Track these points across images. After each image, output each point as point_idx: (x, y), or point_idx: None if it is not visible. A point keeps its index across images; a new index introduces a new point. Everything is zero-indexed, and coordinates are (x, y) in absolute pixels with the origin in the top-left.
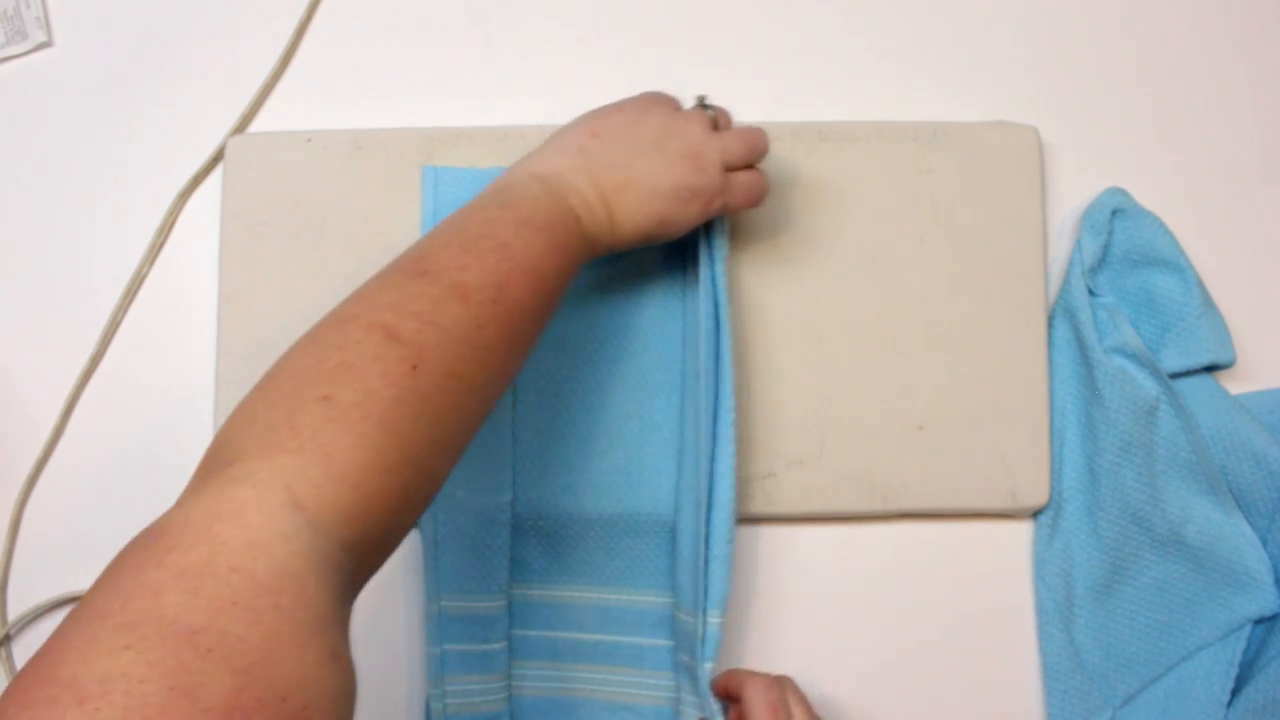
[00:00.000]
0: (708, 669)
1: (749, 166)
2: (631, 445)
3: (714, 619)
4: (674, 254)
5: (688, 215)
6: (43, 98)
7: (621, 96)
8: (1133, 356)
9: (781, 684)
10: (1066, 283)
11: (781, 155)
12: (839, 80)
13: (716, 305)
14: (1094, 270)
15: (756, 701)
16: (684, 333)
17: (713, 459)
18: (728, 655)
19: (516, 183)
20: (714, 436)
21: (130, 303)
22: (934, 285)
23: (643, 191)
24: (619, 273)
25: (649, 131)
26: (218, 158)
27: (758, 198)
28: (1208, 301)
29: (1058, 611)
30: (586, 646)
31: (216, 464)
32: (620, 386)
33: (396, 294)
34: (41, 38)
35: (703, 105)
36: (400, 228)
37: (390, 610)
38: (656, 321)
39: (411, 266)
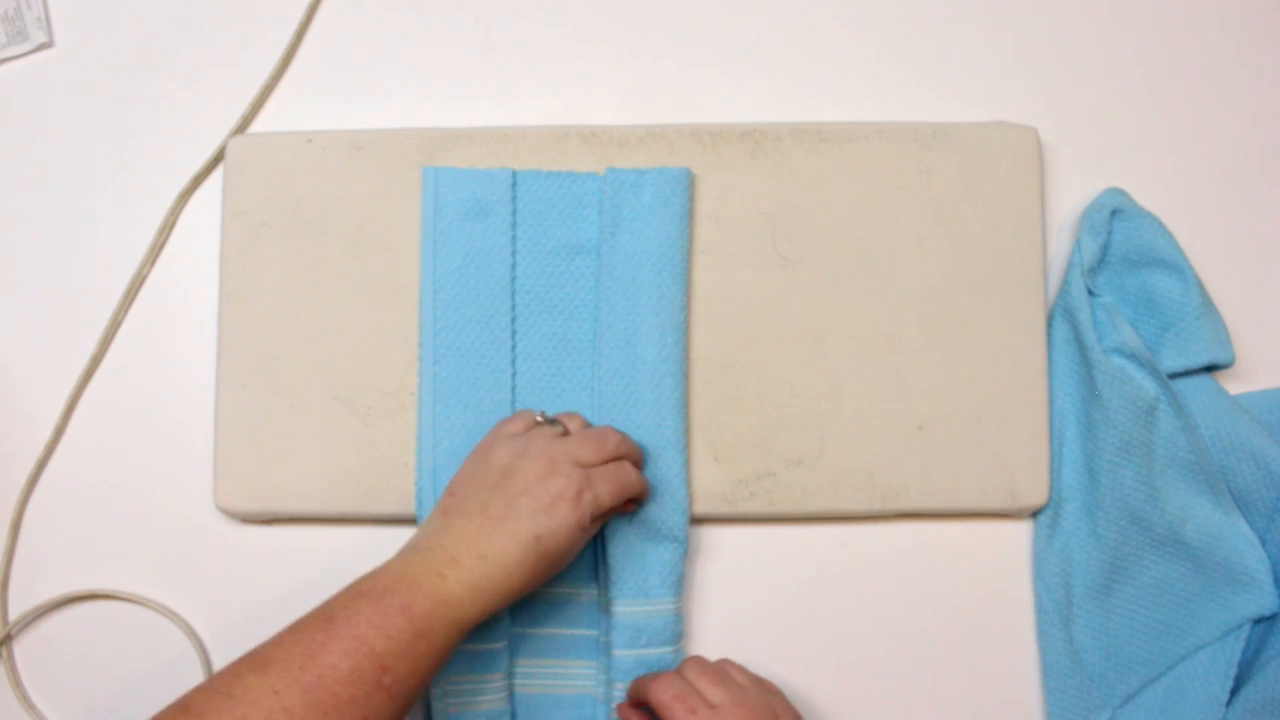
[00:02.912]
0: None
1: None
2: (644, 439)
3: (620, 607)
4: (666, 266)
5: (560, 522)
6: (43, 98)
7: (621, 96)
8: (1132, 356)
9: (692, 667)
10: (1066, 283)
11: (781, 155)
12: (839, 80)
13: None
14: (1093, 270)
15: (663, 701)
16: (659, 329)
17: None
18: (726, 655)
19: (385, 563)
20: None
21: (131, 303)
22: (934, 285)
23: (507, 521)
24: (622, 276)
25: (497, 464)
26: (218, 158)
27: (624, 485)
28: (1207, 302)
29: (1057, 611)
30: (587, 644)
31: None
32: (621, 387)
33: (215, 677)
34: (42, 38)
35: (547, 421)
36: (400, 228)
37: None
38: (654, 323)
39: (245, 656)
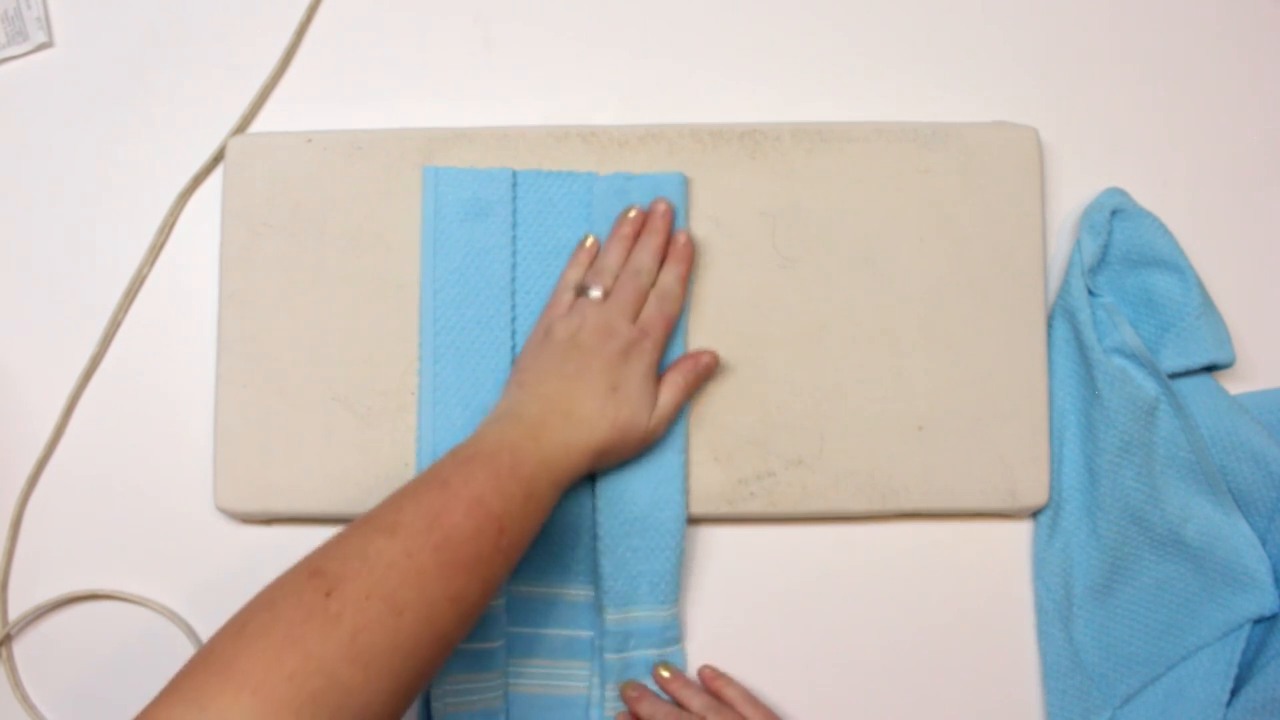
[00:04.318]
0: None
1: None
2: None
3: (611, 614)
4: None
5: (632, 369)
6: (43, 98)
7: (621, 96)
8: (1132, 356)
9: (695, 696)
10: (1066, 283)
11: (781, 155)
12: (839, 80)
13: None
14: (1093, 270)
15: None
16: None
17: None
18: (727, 655)
19: (476, 433)
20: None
21: (131, 303)
22: (934, 285)
23: (582, 379)
24: None
25: (559, 338)
26: (218, 158)
27: (669, 315)
28: (1207, 301)
29: (1057, 611)
30: (582, 645)
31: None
32: None
33: (338, 542)
34: (42, 38)
35: (582, 290)
36: (400, 228)
37: None
38: None
39: (363, 522)
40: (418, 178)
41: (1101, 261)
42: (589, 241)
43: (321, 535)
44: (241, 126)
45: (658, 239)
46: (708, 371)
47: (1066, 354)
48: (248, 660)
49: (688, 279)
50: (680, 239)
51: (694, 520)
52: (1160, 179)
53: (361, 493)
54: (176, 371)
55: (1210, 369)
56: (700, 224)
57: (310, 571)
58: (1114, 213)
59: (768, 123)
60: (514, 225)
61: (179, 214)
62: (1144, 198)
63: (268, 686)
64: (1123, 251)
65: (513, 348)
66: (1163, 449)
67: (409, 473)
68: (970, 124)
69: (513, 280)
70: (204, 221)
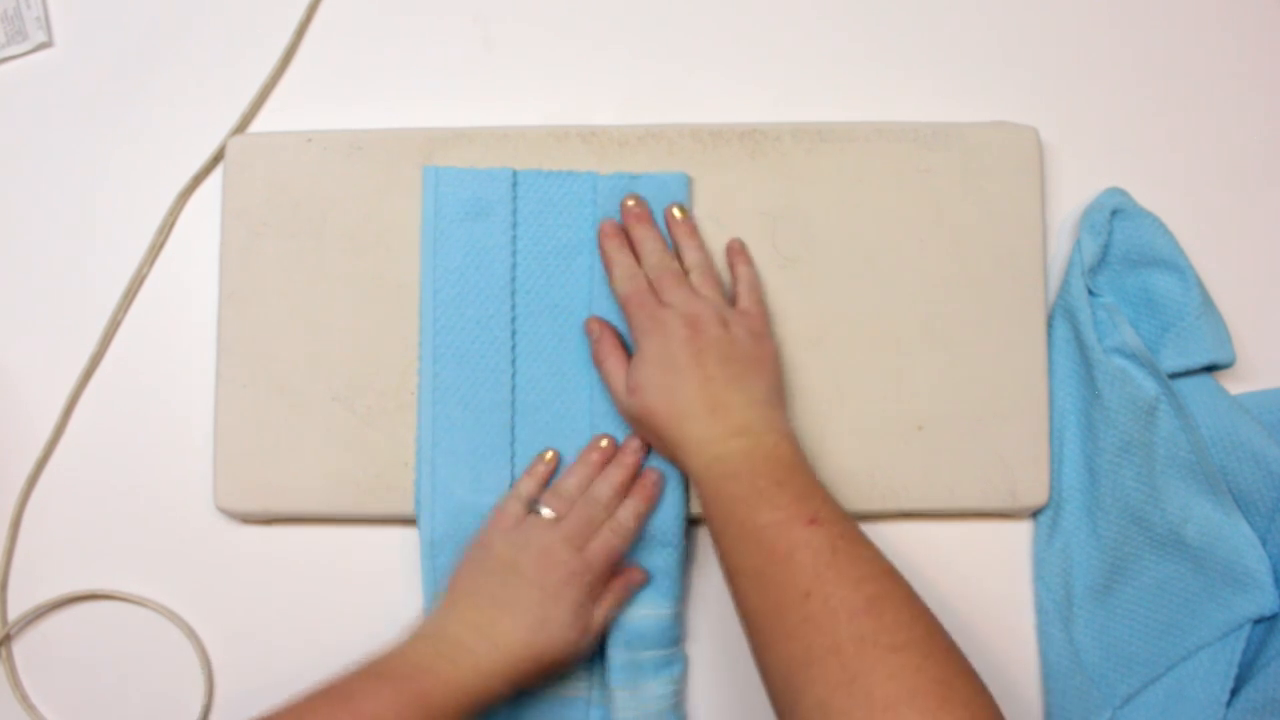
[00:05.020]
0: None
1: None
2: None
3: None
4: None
5: (565, 605)
6: (43, 98)
7: (621, 96)
8: (1132, 356)
9: (656, 267)
10: (1066, 283)
11: (781, 155)
12: (839, 80)
13: None
14: (1093, 270)
15: (628, 306)
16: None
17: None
18: (727, 655)
19: (395, 649)
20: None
21: (130, 303)
22: (934, 285)
23: (514, 608)
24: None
25: (499, 558)
26: (218, 158)
27: (612, 550)
28: (1207, 301)
29: (1057, 611)
30: None
31: None
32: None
33: None
34: (41, 38)
35: (534, 509)
36: (400, 228)
37: (390, 611)
38: None
39: None
40: (418, 178)
41: (1101, 261)
42: (548, 455)
43: (322, 535)
44: (241, 126)
45: (624, 474)
46: (639, 587)
47: (1066, 354)
48: None
49: (645, 519)
50: (650, 477)
51: (694, 521)
52: (1160, 179)
53: (362, 493)
54: (176, 371)
55: (1210, 369)
56: (700, 224)
57: None
58: (1114, 213)
59: (768, 123)
60: (514, 225)
61: (179, 214)
62: (1144, 198)
63: None
64: (1123, 251)
65: (512, 347)
66: (1163, 449)
67: (409, 473)
68: (970, 124)
69: (513, 280)
70: (204, 221)
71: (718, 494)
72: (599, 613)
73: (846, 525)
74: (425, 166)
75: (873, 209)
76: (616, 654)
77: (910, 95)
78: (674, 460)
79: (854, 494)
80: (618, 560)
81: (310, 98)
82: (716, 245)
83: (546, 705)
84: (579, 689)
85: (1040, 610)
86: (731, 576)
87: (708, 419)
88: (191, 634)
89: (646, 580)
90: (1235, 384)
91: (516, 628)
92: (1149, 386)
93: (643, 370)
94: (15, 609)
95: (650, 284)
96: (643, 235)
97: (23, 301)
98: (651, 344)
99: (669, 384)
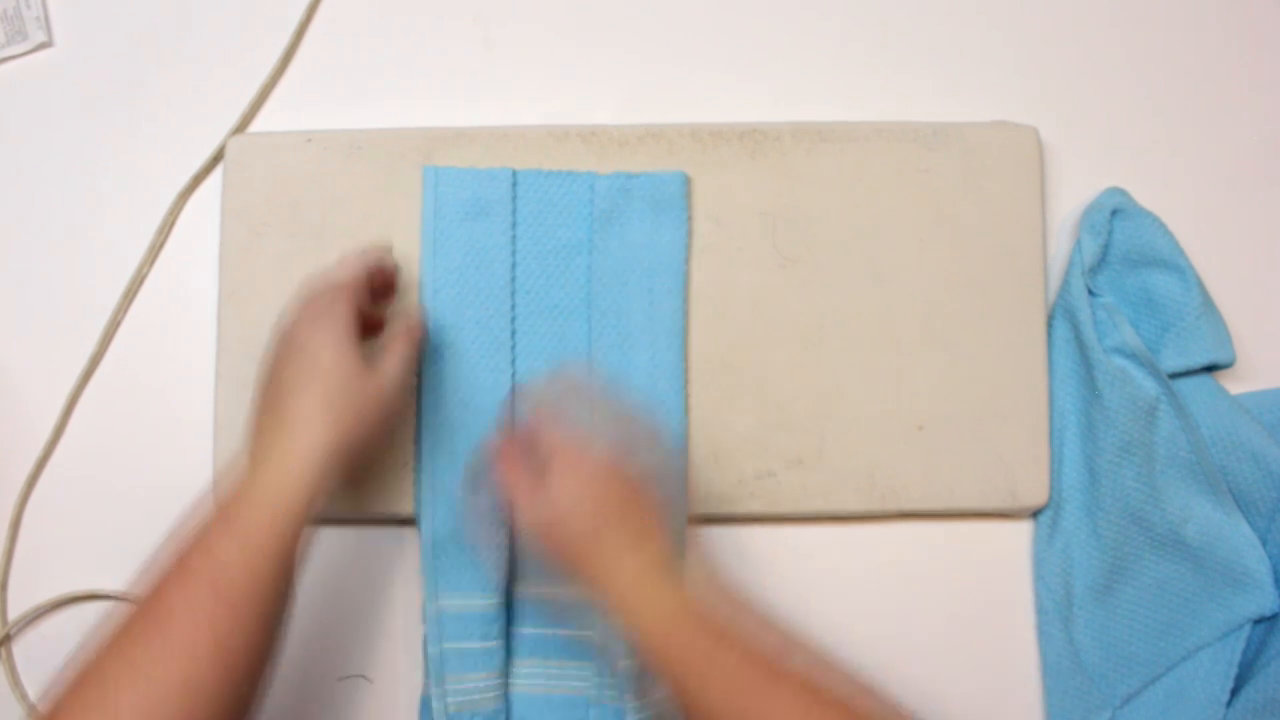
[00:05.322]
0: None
1: None
2: None
3: None
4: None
5: (322, 336)
6: (43, 98)
7: (621, 96)
8: (1132, 356)
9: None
10: (1066, 283)
11: (781, 155)
12: (839, 80)
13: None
14: (1093, 270)
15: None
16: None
17: None
18: None
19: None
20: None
21: (130, 303)
22: (934, 285)
23: (286, 403)
24: (612, 281)
25: (258, 390)
26: (218, 158)
27: (350, 267)
28: (1207, 301)
29: (1057, 611)
30: (583, 645)
31: None
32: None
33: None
34: (41, 38)
35: None
36: (400, 228)
37: (389, 611)
38: (645, 328)
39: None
40: (418, 178)
41: (1101, 261)
42: None
43: (322, 535)
44: (241, 126)
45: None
46: (420, 331)
47: (1066, 354)
48: None
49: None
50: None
51: (694, 520)
52: (1160, 179)
53: (362, 493)
54: (176, 371)
55: (1210, 369)
56: (700, 223)
57: (45, 713)
58: (1114, 213)
59: (768, 123)
60: (514, 225)
61: (179, 214)
62: (1144, 198)
63: None
64: (1123, 251)
65: (512, 347)
66: (1163, 449)
67: (409, 473)
68: (970, 124)
69: (513, 280)
70: (204, 221)
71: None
72: (390, 359)
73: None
74: (425, 166)
75: (873, 209)
76: (624, 665)
77: (910, 95)
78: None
79: (854, 494)
80: (362, 283)
81: (310, 98)
82: (717, 245)
83: (547, 705)
84: (580, 689)
85: (1040, 610)
86: None
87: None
88: None
89: (423, 324)
90: (1235, 384)
91: (296, 416)
92: (1149, 386)
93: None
94: (15, 609)
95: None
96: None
97: (23, 301)
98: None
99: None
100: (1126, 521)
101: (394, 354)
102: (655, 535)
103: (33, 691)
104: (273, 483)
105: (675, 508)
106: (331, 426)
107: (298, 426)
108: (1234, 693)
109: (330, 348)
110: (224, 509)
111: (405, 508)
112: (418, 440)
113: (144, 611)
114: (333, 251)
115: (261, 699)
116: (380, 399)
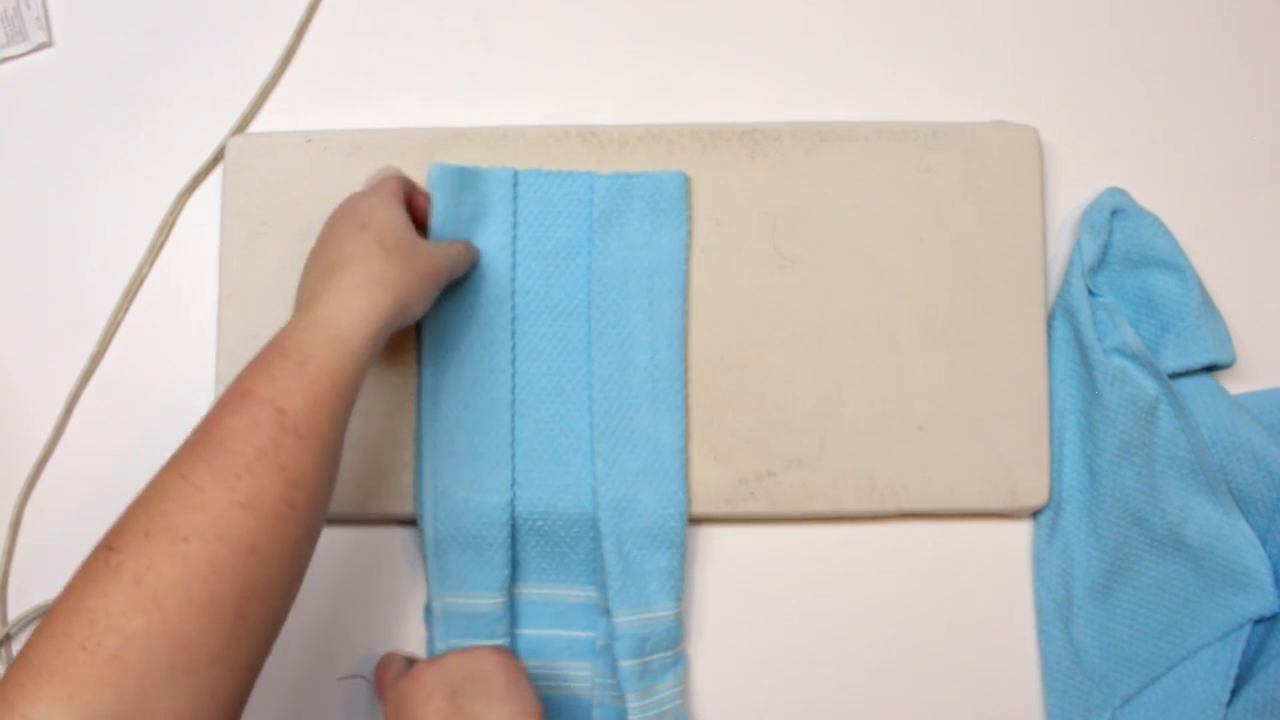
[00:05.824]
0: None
1: None
2: (640, 446)
3: (621, 617)
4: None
5: (374, 204)
6: (43, 98)
7: (621, 96)
8: (1132, 356)
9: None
10: (1066, 283)
11: (781, 155)
12: (839, 80)
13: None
14: (1093, 270)
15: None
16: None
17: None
18: (727, 655)
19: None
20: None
21: (130, 303)
22: (934, 285)
23: (344, 262)
24: (612, 281)
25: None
26: (218, 158)
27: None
28: (1207, 301)
29: (1057, 611)
30: (584, 646)
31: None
32: (617, 390)
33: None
34: (41, 38)
35: None
36: None
37: (389, 611)
38: (645, 328)
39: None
40: (418, 178)
41: (1101, 261)
42: None
43: (322, 535)
44: (241, 126)
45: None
46: (475, 253)
47: (1066, 354)
48: (44, 644)
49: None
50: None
51: (694, 520)
52: (1160, 179)
53: (362, 493)
54: (176, 371)
55: (1210, 369)
56: (700, 224)
57: (104, 544)
58: (1114, 213)
59: (768, 123)
60: (514, 225)
61: (179, 214)
62: (1144, 198)
63: (64, 665)
64: (1123, 251)
65: (512, 347)
66: (1163, 449)
67: (409, 473)
68: (970, 124)
69: (513, 280)
70: (204, 221)
71: None
72: (444, 245)
73: None
74: (431, 163)
75: (873, 209)
76: (626, 663)
77: (910, 95)
78: None
79: (854, 494)
80: (408, 183)
81: (310, 98)
82: (717, 245)
83: (548, 705)
84: (581, 689)
85: (1040, 610)
86: None
87: None
88: None
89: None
90: (1235, 384)
91: (355, 254)
92: (1149, 386)
93: None
94: (15, 609)
95: None
96: None
97: (23, 301)
98: None
99: None
100: (1126, 521)
101: (449, 244)
102: None
103: None
104: (330, 316)
105: None
106: (387, 261)
107: (356, 263)
108: (1234, 693)
109: (385, 207)
110: (279, 344)
111: (405, 508)
112: (418, 440)
113: (205, 433)
114: None
115: (319, 529)
116: (433, 264)
